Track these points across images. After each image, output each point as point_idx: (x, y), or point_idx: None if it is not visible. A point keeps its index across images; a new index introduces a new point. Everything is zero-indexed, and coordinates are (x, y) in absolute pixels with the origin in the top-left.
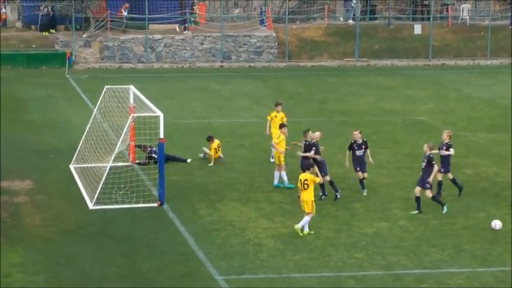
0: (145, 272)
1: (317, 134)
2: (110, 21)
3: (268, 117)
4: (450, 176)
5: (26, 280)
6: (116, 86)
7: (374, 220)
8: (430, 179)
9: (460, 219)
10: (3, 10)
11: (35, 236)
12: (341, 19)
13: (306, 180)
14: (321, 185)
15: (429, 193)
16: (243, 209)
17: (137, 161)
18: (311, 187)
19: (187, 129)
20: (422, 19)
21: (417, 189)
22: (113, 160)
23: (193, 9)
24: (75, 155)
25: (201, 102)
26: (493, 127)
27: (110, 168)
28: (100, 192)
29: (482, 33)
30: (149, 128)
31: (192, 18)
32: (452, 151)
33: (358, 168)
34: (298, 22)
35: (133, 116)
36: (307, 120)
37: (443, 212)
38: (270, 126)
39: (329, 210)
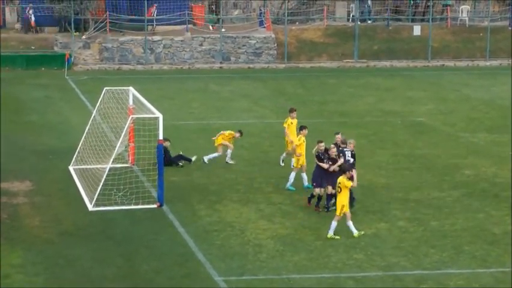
0: (145, 273)
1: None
2: (110, 22)
3: (284, 124)
4: None
5: (26, 281)
6: (115, 88)
7: (373, 221)
8: None
9: (460, 220)
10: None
11: (35, 237)
12: (349, 20)
13: (340, 183)
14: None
15: None
16: (243, 210)
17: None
18: (344, 191)
19: (186, 130)
20: (422, 20)
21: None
22: (113, 161)
23: (212, 9)
24: (74, 156)
25: (200, 103)
26: (492, 128)
27: (110, 169)
28: (99, 194)
29: (481, 34)
30: (149, 129)
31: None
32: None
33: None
34: (297, 23)
35: (132, 117)
36: (307, 122)
37: None
38: (288, 134)
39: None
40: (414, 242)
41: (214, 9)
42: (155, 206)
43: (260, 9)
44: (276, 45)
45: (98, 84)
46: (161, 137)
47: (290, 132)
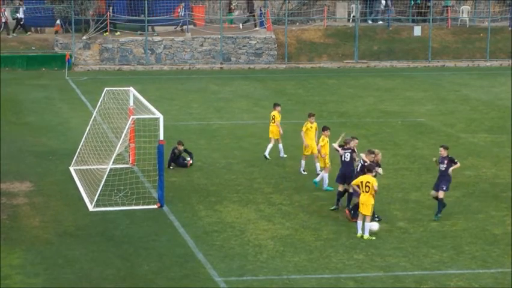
0: (144, 274)
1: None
2: (110, 23)
3: (303, 128)
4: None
5: (25, 282)
6: (115, 88)
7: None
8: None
9: (460, 221)
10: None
11: (34, 237)
12: (370, 22)
13: (369, 182)
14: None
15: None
16: (243, 210)
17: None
18: (372, 190)
19: (187, 130)
20: (423, 21)
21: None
22: (113, 162)
23: (230, 8)
24: (75, 157)
25: (200, 103)
26: (492, 128)
27: (110, 170)
28: (99, 194)
29: (481, 34)
30: (149, 129)
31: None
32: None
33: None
34: (297, 24)
35: (132, 118)
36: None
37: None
38: (305, 137)
39: (329, 211)
40: (415, 242)
41: (232, 8)
42: (155, 206)
43: (260, 10)
44: (276, 45)
45: (98, 84)
46: (161, 138)
47: (309, 137)
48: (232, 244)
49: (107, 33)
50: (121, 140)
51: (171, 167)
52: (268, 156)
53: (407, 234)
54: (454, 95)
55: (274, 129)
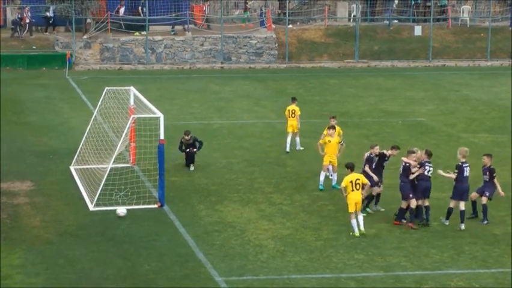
0: (145, 274)
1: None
2: (110, 22)
3: (321, 142)
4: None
5: (26, 282)
6: (116, 87)
7: (374, 221)
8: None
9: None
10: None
11: (35, 237)
12: (387, 22)
13: (358, 179)
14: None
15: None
16: (243, 210)
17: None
18: (360, 189)
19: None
20: (424, 21)
21: (474, 194)
22: (114, 161)
23: (246, 7)
24: (75, 156)
25: (200, 103)
26: (492, 128)
27: (111, 169)
28: (100, 194)
29: (482, 34)
30: (150, 129)
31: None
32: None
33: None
34: (298, 23)
35: (133, 117)
36: (307, 122)
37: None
38: (322, 148)
39: (329, 211)
40: (415, 242)
41: (248, 7)
42: (156, 206)
43: (261, 9)
44: (277, 45)
45: (99, 84)
46: (162, 137)
47: (332, 149)
48: (232, 244)
49: (137, 33)
50: (122, 139)
51: (191, 168)
52: (288, 150)
53: (407, 234)
54: (455, 95)
55: (294, 123)
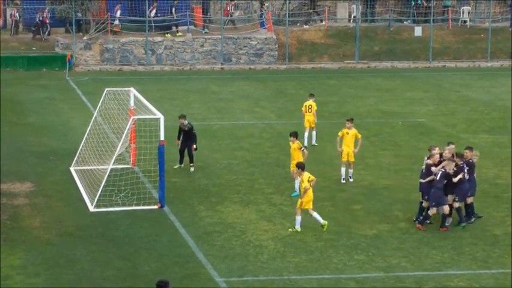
0: (145, 274)
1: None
2: (111, 23)
3: (339, 134)
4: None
5: (26, 282)
6: (116, 88)
7: (374, 222)
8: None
9: None
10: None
11: (35, 238)
12: (407, 22)
13: (310, 177)
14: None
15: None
16: (243, 211)
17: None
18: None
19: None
20: (424, 21)
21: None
22: (114, 162)
23: (262, 7)
24: (75, 157)
25: (200, 104)
26: (493, 129)
27: (111, 170)
28: (100, 195)
29: (482, 35)
30: (150, 130)
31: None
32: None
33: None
34: (298, 24)
35: (133, 118)
36: None
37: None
38: (340, 143)
39: (329, 212)
40: (415, 243)
41: (264, 7)
42: (156, 207)
43: (261, 10)
44: (277, 46)
45: (99, 85)
46: (162, 138)
47: (344, 142)
48: (233, 244)
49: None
50: (122, 140)
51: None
52: (306, 145)
53: (407, 234)
54: (455, 96)
55: (311, 118)
